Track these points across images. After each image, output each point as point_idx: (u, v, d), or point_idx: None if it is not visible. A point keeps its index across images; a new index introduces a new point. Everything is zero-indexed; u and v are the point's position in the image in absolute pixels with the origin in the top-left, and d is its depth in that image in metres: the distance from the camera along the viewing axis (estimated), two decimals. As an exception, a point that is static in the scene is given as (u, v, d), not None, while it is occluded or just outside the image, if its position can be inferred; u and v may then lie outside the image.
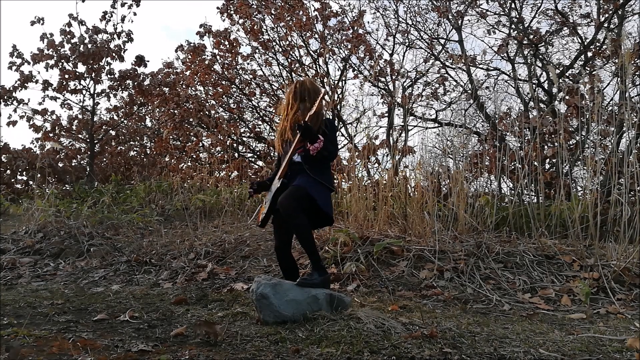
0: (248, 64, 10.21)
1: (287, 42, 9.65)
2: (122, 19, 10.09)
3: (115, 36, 10.09)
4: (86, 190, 7.57)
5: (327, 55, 9.52)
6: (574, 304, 3.04)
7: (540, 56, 9.01)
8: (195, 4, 25.83)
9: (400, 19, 10.28)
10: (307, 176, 2.65)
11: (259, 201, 6.07)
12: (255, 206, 5.93)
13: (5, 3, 14.31)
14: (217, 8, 9.88)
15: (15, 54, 9.86)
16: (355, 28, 9.57)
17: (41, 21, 9.76)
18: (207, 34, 10.03)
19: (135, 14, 9.94)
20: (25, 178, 10.52)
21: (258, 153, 10.54)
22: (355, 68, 9.83)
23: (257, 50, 9.96)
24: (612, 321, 2.70)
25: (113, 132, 11.43)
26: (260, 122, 10.93)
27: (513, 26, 9.28)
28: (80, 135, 11.06)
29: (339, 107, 9.62)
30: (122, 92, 10.79)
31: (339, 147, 2.65)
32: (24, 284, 3.67)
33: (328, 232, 4.09)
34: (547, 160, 6.63)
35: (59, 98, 10.23)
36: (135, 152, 12.41)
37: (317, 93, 2.76)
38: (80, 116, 10.87)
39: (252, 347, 2.04)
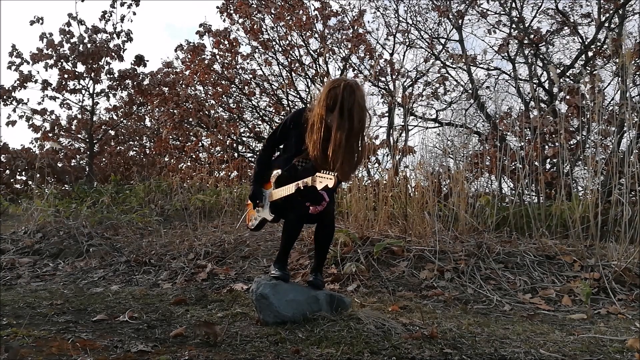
0: (248, 63, 10.23)
1: (287, 42, 9.64)
2: (122, 19, 10.09)
3: (114, 36, 10.09)
4: (85, 190, 7.56)
5: (327, 55, 9.51)
6: (575, 304, 3.03)
7: (541, 56, 9.01)
8: (198, 3, 25.80)
9: (401, 19, 10.30)
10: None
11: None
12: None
13: (5, 3, 14.29)
14: (217, 7, 9.90)
15: (15, 53, 9.86)
16: (356, 27, 9.57)
17: (40, 21, 9.77)
18: (206, 34, 10.03)
19: (134, 13, 9.95)
20: (24, 178, 10.52)
21: (258, 153, 10.52)
22: (356, 68, 9.83)
23: (256, 50, 9.96)
24: (613, 321, 2.70)
25: (112, 132, 11.43)
26: (260, 122, 10.93)
27: (514, 26, 9.28)
28: (79, 135, 11.07)
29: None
30: (122, 92, 10.80)
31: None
32: (23, 284, 3.66)
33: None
34: (548, 160, 6.63)
35: (58, 98, 10.25)
36: (134, 152, 12.42)
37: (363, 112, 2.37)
38: (79, 116, 10.87)
39: (251, 348, 2.03)
